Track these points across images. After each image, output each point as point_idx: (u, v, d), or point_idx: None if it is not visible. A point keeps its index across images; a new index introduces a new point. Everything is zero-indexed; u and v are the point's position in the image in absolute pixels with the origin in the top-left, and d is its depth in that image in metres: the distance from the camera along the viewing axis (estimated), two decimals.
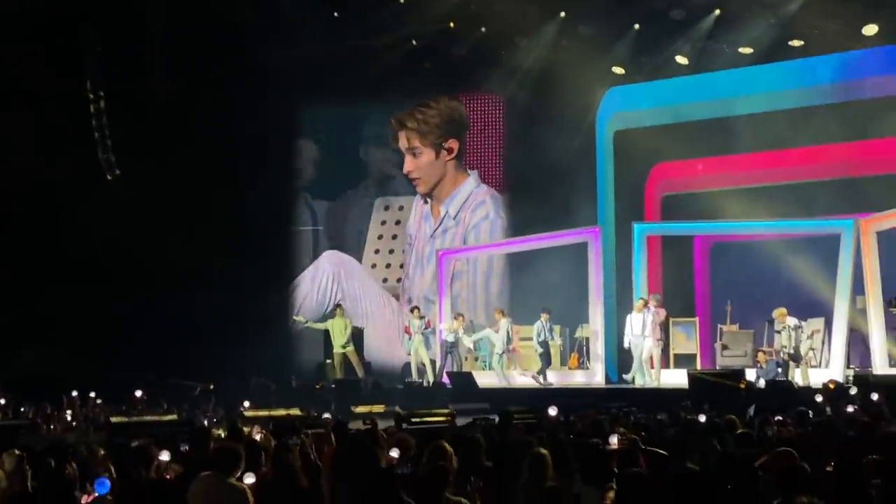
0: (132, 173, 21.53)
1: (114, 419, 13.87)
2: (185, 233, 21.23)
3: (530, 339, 20.44)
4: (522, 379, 20.45)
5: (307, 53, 22.67)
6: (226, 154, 22.10)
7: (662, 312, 19.47)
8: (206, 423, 13.35)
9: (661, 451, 7.25)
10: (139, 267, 21.21)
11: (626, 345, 19.55)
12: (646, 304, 19.29)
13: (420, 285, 24.11)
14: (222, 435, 10.08)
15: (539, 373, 20.01)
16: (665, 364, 20.45)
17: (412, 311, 21.59)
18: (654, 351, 19.19)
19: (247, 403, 15.68)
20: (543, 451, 6.66)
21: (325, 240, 25.25)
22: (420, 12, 21.97)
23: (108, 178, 21.54)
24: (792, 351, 17.77)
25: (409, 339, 21.07)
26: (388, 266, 24.79)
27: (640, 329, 19.10)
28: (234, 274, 21.61)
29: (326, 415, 10.60)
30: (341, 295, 24.40)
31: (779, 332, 18.21)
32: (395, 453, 7.27)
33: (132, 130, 21.21)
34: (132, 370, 18.75)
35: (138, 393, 16.97)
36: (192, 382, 18.93)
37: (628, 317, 19.46)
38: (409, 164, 24.42)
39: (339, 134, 25.27)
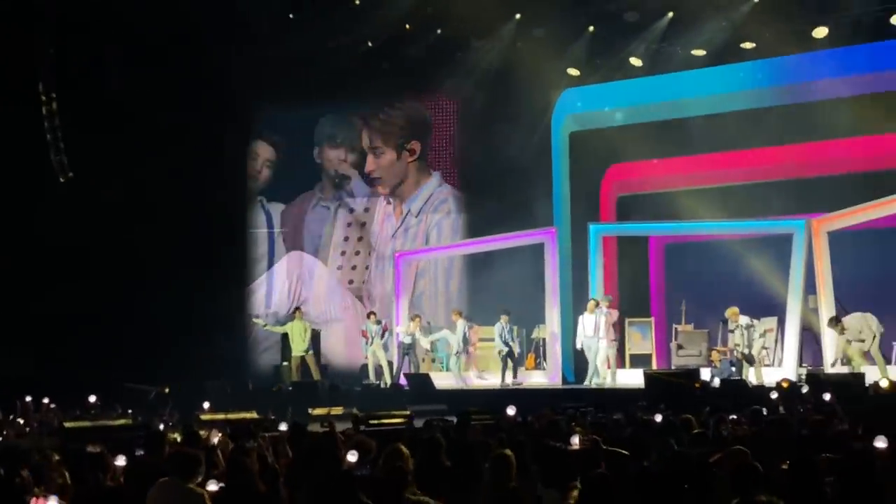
0: (86, 175, 21.34)
1: (68, 424, 13.72)
2: (140, 235, 21.10)
3: (489, 339, 20.49)
4: (479, 380, 20.50)
5: (263, 54, 22.62)
6: (181, 155, 21.94)
7: (615, 313, 19.55)
8: (161, 427, 13.24)
9: (622, 452, 7.29)
10: (93, 270, 21.03)
11: (578, 346, 19.65)
12: (597, 305, 19.37)
13: (382, 286, 24.10)
14: (178, 439, 10.01)
15: (512, 374, 20.05)
16: (621, 364, 20.59)
17: (368, 316, 21.56)
18: (609, 352, 19.28)
19: (206, 405, 15.58)
20: (508, 452, 6.66)
21: (280, 242, 25.16)
22: (376, 14, 21.96)
23: (61, 180, 21.33)
24: (745, 350, 17.92)
25: (367, 343, 21.05)
26: (353, 268, 24.69)
27: (593, 330, 19.19)
28: (190, 276, 21.48)
29: (283, 426, 10.50)
30: (304, 297, 24.33)
31: (732, 331, 18.37)
32: (352, 457, 7.25)
33: (85, 132, 21.00)
34: (86, 374, 18.56)
35: (92, 398, 16.79)
36: (148, 386, 18.75)
37: (580, 318, 19.54)
38: (370, 164, 24.53)
39: (295, 135, 25.23)
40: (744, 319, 18.03)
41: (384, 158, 24.43)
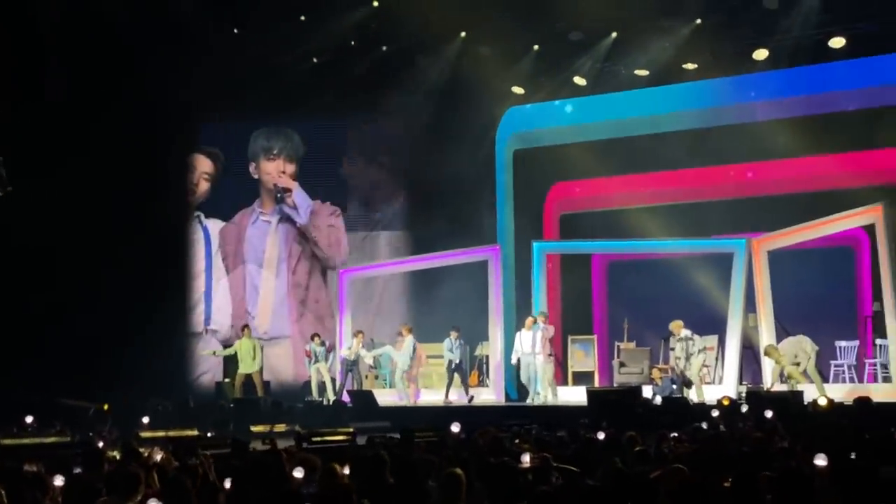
0: (24, 189, 21.02)
1: (4, 441, 13.52)
2: (78, 250, 20.84)
3: (437, 356, 20.52)
4: (424, 397, 20.50)
5: (207, 69, 22.47)
6: (121, 170, 21.71)
7: (551, 329, 19.58)
8: (100, 444, 13.06)
9: (572, 469, 7.30)
10: (30, 286, 20.72)
11: (513, 361, 19.72)
12: (535, 321, 19.45)
13: (327, 301, 23.97)
14: (117, 457, 9.88)
15: (464, 391, 20.07)
16: (563, 381, 20.69)
17: (312, 338, 21.43)
18: (547, 367, 19.32)
19: (146, 419, 15.41)
20: (458, 471, 6.63)
21: (219, 260, 24.88)
22: (321, 30, 21.93)
23: (0, 194, 21.01)
24: (684, 362, 18.05)
25: (311, 361, 20.97)
26: (298, 284, 24.42)
27: (531, 346, 19.26)
28: (129, 292, 21.26)
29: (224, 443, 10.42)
30: (250, 315, 24.10)
31: (673, 348, 18.50)
32: (299, 473, 7.20)
33: (24, 146, 20.71)
34: (23, 391, 18.28)
35: (29, 418, 16.52)
36: (86, 403, 18.50)
37: (518, 334, 19.61)
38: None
39: (236, 151, 25.00)
40: (685, 332, 18.20)
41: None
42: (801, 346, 17.24)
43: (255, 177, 24.89)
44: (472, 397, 20.03)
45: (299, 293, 24.40)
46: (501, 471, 6.89)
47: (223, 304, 24.55)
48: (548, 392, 19.26)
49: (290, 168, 24.61)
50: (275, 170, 24.70)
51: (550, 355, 19.44)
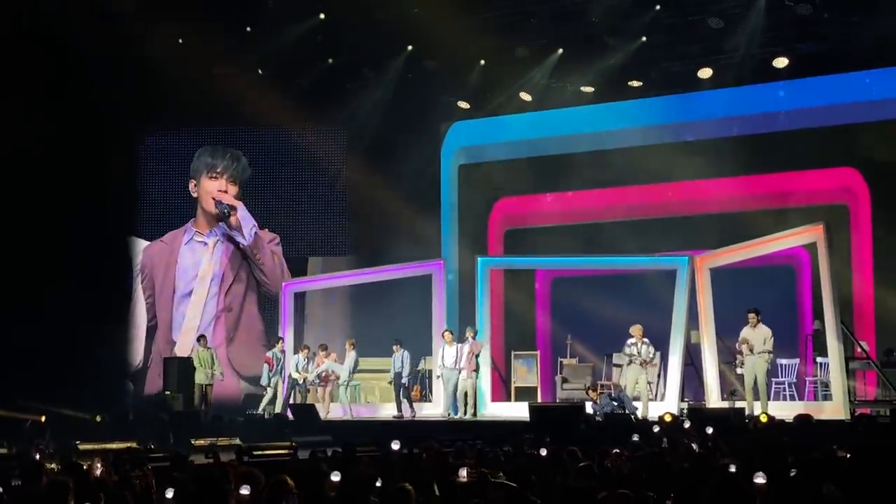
0: None
1: None
2: (16, 262, 20.47)
3: (377, 371, 20.44)
4: (366, 412, 20.40)
5: (149, 79, 22.19)
6: (60, 181, 21.33)
7: (478, 344, 19.51)
8: (38, 456, 12.84)
9: (510, 484, 7.26)
10: None
11: (436, 375, 19.76)
12: (452, 335, 19.45)
13: (257, 331, 23.75)
14: (56, 469, 9.71)
15: (408, 405, 19.99)
16: (506, 397, 20.68)
17: (275, 344, 21.23)
18: (468, 382, 19.26)
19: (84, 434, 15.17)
20: (408, 486, 6.56)
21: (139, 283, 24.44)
22: (266, 41, 21.79)
23: None
24: (649, 356, 18.14)
25: (270, 371, 20.79)
26: (230, 308, 24.13)
27: (453, 361, 19.24)
28: (69, 305, 20.92)
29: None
30: (174, 339, 23.74)
31: (630, 352, 18.41)
32: (245, 490, 7.09)
33: None
34: None
35: None
36: (23, 415, 18.19)
37: (441, 348, 19.58)
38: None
39: (178, 163, 24.63)
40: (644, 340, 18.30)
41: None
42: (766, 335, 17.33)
43: (194, 195, 24.25)
44: (414, 413, 19.97)
45: (230, 317, 23.95)
46: (441, 486, 6.83)
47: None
48: (468, 408, 19.18)
49: (233, 190, 24.05)
50: (216, 188, 24.08)
51: (474, 371, 19.33)
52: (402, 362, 19.88)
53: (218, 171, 24.15)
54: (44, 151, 20.80)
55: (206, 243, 24.18)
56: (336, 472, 7.77)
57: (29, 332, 20.10)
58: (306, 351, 20.86)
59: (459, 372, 19.20)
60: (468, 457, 10.04)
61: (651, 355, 18.36)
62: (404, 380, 19.96)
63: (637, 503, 6.31)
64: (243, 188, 24.19)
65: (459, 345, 19.28)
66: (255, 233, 23.89)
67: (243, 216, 24.01)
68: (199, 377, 20.59)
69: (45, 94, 21.19)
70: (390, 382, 20.23)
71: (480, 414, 19.33)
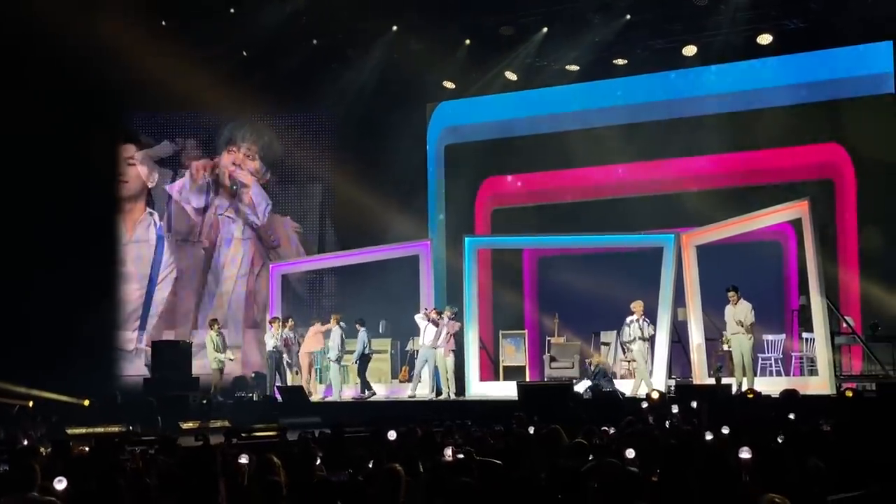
0: None
1: None
2: (3, 246, 20.40)
3: (376, 351, 20.56)
4: (355, 392, 20.41)
5: (134, 63, 22.06)
6: (47, 166, 21.24)
7: (457, 324, 19.48)
8: (25, 441, 12.84)
9: (495, 461, 7.29)
10: None
11: (407, 347, 20.07)
12: (440, 315, 19.45)
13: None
14: (44, 453, 9.72)
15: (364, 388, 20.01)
16: (494, 376, 20.72)
17: (285, 321, 21.09)
18: (448, 361, 19.29)
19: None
20: (398, 466, 6.59)
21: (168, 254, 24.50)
22: (251, 23, 21.70)
23: None
24: (647, 335, 18.20)
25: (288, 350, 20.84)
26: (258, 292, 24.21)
27: (432, 339, 19.29)
28: (57, 288, 20.85)
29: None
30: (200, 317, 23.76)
31: (630, 326, 18.45)
32: (244, 459, 7.13)
33: None
34: None
35: None
36: (10, 400, 18.16)
37: (425, 325, 19.61)
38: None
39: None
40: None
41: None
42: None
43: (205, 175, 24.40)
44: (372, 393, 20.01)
45: (256, 288, 24.07)
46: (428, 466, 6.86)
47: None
48: (451, 386, 19.23)
49: (252, 165, 24.11)
50: (230, 162, 24.23)
51: (452, 350, 19.33)
52: (367, 340, 19.92)
53: (234, 145, 24.12)
54: (30, 138, 20.70)
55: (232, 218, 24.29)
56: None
57: (16, 315, 20.07)
58: (281, 323, 20.78)
59: (437, 350, 19.23)
60: (459, 436, 10.07)
61: (652, 332, 18.39)
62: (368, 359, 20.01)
63: (624, 474, 6.35)
64: (270, 167, 24.09)
65: (441, 323, 19.30)
66: (268, 212, 23.84)
67: (256, 194, 23.95)
68: (212, 362, 20.57)
69: (29, 78, 21.07)
70: (356, 363, 20.20)
71: (470, 394, 19.36)
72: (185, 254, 24.30)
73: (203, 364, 21.47)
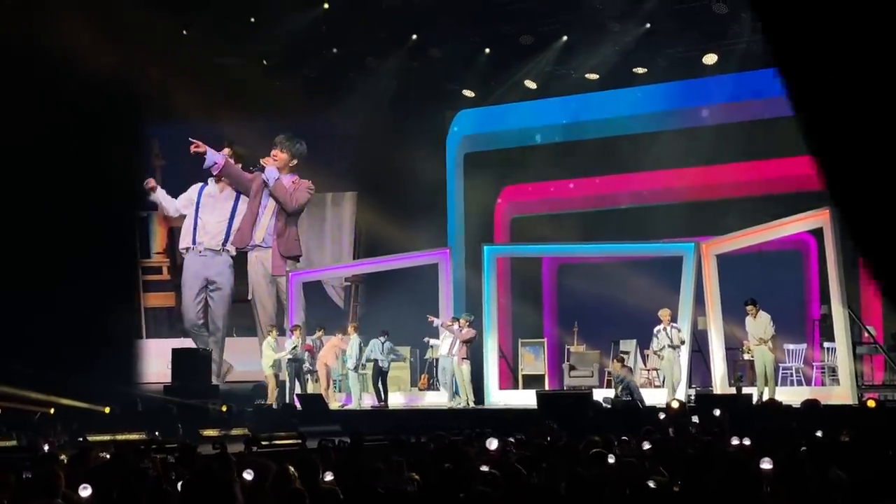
0: None
1: None
2: (26, 252, 20.48)
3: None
4: (373, 400, 20.42)
5: (155, 69, 22.18)
6: (67, 172, 21.32)
7: (469, 332, 19.43)
8: (47, 448, 12.89)
9: (518, 468, 7.28)
10: None
11: (427, 356, 19.98)
12: (454, 322, 19.44)
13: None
14: (65, 460, 9.75)
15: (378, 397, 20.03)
16: (514, 385, 20.70)
17: (316, 330, 21.19)
18: (464, 369, 19.25)
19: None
20: (415, 476, 6.59)
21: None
22: (271, 31, 21.77)
23: None
24: (678, 342, 18.09)
25: (313, 357, 20.86)
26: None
27: (448, 348, 19.29)
28: (77, 292, 20.89)
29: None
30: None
31: (657, 334, 18.37)
32: (249, 475, 7.12)
33: None
34: None
35: None
36: (32, 407, 18.22)
37: (443, 333, 19.63)
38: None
39: (185, 152, 24.60)
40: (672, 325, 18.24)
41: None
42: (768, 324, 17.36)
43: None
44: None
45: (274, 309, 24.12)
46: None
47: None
48: (468, 396, 19.21)
49: (283, 157, 23.94)
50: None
51: (465, 359, 19.30)
52: (383, 352, 19.88)
53: (274, 149, 24.01)
54: (47, 140, 20.80)
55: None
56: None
57: (39, 322, 20.14)
58: (298, 331, 20.82)
59: (452, 358, 19.23)
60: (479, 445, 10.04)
61: (683, 338, 18.26)
62: (383, 370, 20.02)
63: (643, 475, 6.34)
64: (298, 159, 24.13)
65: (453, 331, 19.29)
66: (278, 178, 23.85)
67: (269, 171, 23.93)
68: (267, 368, 20.67)
69: (48, 82, 21.16)
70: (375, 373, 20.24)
71: (489, 403, 19.34)
72: (214, 261, 24.33)
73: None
